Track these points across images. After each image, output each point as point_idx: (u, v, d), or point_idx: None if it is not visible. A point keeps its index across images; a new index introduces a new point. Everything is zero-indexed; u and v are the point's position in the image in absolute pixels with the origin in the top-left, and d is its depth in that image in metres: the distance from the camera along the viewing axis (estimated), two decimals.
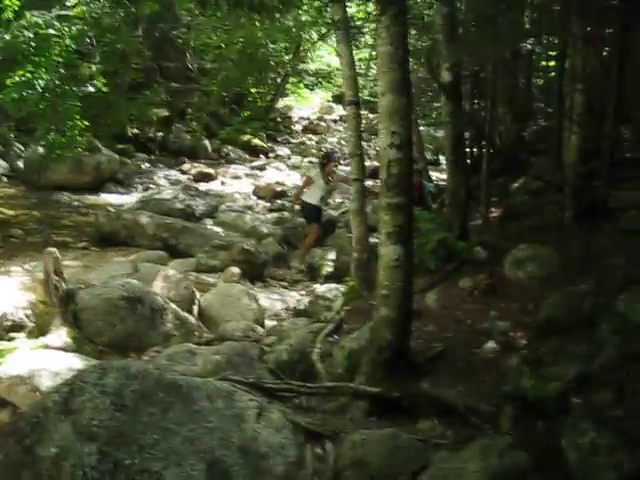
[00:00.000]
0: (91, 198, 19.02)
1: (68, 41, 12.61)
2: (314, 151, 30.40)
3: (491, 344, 6.76)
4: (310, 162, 28.38)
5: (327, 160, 12.95)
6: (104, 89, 13.65)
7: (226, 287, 9.75)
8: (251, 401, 5.56)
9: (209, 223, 15.43)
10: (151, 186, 20.78)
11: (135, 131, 26.21)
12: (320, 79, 38.28)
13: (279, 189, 20.77)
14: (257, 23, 27.82)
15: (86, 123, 14.15)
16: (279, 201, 19.62)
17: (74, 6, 12.53)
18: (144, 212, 14.16)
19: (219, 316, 9.12)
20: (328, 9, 16.26)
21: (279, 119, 36.06)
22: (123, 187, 20.75)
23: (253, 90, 25.88)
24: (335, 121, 36.25)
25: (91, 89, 13.01)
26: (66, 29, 12.46)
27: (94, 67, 12.86)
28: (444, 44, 8.91)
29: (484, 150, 11.23)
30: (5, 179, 19.64)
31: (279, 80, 34.77)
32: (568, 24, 9.88)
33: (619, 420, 4.91)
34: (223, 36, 21.50)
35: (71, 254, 12.96)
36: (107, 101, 13.98)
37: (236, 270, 11.45)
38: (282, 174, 24.16)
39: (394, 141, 5.99)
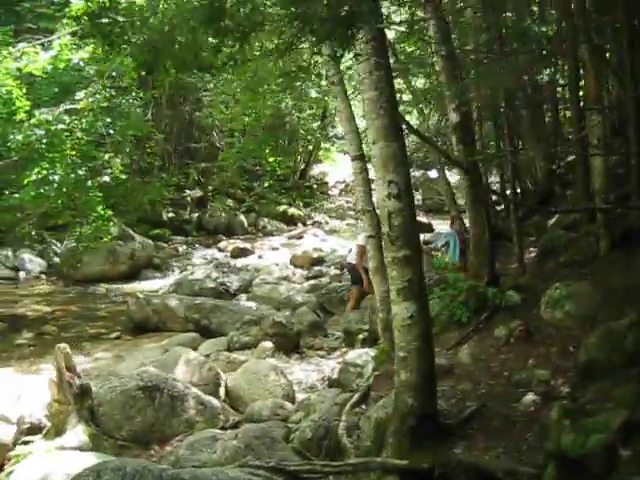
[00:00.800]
0: (127, 287, 18.97)
1: (80, 134, 12.58)
2: (351, 213, 30.18)
3: (530, 396, 6.18)
4: (348, 225, 28.23)
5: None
6: (122, 176, 13.52)
7: (253, 364, 9.31)
8: None
9: (243, 299, 15.10)
10: (188, 268, 20.69)
11: (170, 215, 26.36)
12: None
13: (316, 256, 20.45)
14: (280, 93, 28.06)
15: (110, 212, 14.04)
16: (317, 268, 19.29)
17: (82, 99, 12.50)
18: (174, 295, 13.93)
19: (247, 395, 8.69)
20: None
21: (315, 185, 36.12)
22: (160, 272, 20.72)
23: (271, 159, 25.71)
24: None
25: (107, 178, 12.89)
26: (76, 122, 12.42)
27: (107, 156, 12.76)
28: (447, 84, 8.53)
29: (512, 190, 10.81)
30: (44, 276, 19.77)
31: (310, 147, 34.97)
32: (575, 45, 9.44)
33: None
34: (234, 109, 21.43)
35: (103, 345, 12.78)
36: (125, 188, 13.83)
37: (269, 344, 11.06)
38: (319, 240, 23.90)
39: (392, 191, 5.59)
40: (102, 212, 13.71)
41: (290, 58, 11.28)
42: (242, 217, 26.58)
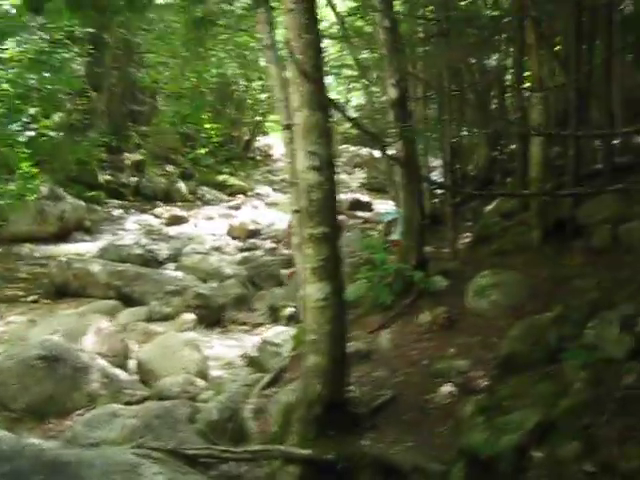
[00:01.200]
0: (54, 249, 18.25)
1: (5, 85, 11.89)
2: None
3: (447, 387, 5.91)
4: (290, 198, 27.77)
5: None
6: (50, 133, 12.87)
7: (167, 337, 8.91)
8: (160, 474, 4.71)
9: (171, 268, 14.58)
10: (119, 233, 20.06)
11: (107, 177, 25.56)
12: None
13: (253, 228, 20.01)
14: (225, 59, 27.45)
15: (35, 170, 13.39)
16: (252, 240, 18.89)
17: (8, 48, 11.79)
18: (97, 260, 13.38)
19: (159, 370, 8.27)
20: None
21: (259, 157, 35.54)
22: (90, 235, 20.01)
23: (207, 126, 25.08)
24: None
25: (32, 133, 12.22)
26: (2, 72, 11.73)
27: (33, 110, 12.06)
28: (387, 58, 8.16)
29: (448, 174, 10.55)
30: None
31: (257, 118, 34.34)
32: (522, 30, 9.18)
33: (588, 476, 4.10)
34: (174, 72, 20.61)
35: (19, 308, 12.22)
36: (52, 145, 13.16)
37: (190, 317, 10.67)
38: (259, 212, 23.44)
39: (313, 162, 5.21)
40: (27, 169, 13.00)
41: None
42: (181, 184, 25.89)
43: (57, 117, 12.56)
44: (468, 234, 11.69)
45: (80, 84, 12.97)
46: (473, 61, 13.68)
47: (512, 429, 4.56)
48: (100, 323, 8.66)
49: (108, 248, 15.17)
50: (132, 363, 8.41)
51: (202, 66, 19.19)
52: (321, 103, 5.26)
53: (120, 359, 8.22)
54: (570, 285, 7.09)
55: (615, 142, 10.59)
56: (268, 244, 18.60)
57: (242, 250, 17.23)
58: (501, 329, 6.67)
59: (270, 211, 23.80)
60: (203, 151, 26.78)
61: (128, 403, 7.25)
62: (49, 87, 12.34)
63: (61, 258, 13.50)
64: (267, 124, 36.77)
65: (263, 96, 32.19)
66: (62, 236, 19.36)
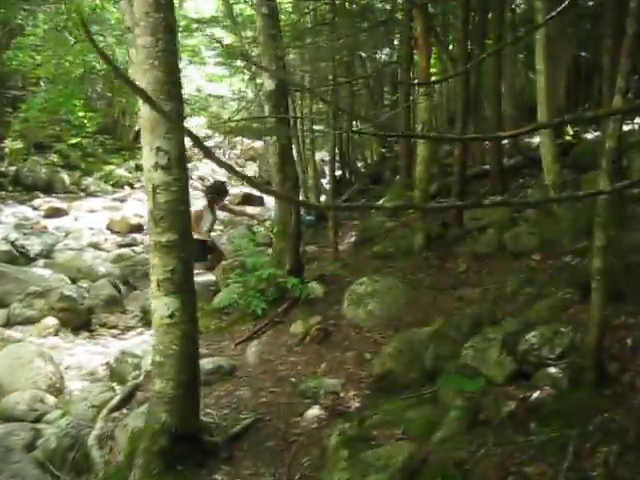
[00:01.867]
0: None
1: None
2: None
3: (315, 410, 5.35)
4: None
5: (218, 190, 11.12)
6: None
7: (16, 347, 8.01)
8: None
9: (40, 265, 13.53)
10: None
11: None
12: (192, 106, 36.69)
13: (135, 222, 19.03)
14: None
15: None
16: (134, 235, 17.95)
17: None
18: None
19: (7, 384, 7.39)
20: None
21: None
22: None
23: (81, 114, 23.85)
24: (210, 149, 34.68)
25: None
26: None
27: None
28: (263, 47, 7.54)
29: (330, 171, 10.04)
30: None
31: None
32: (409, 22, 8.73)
33: None
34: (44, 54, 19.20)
35: None
36: None
37: (52, 321, 9.77)
38: (144, 206, 22.43)
39: (159, 160, 4.55)
40: None
41: None
42: (64, 174, 24.57)
43: None
44: (354, 233, 11.25)
45: None
46: (363, 54, 13.23)
47: (379, 467, 4.04)
48: None
49: None
50: None
51: (76, 50, 18.00)
52: (173, 91, 4.60)
53: None
54: (452, 294, 6.69)
55: (504, 142, 10.35)
56: (149, 240, 17.72)
57: (120, 246, 16.27)
58: (377, 343, 6.22)
59: None
60: (75, 140, 25.39)
61: None
62: None
63: None
64: None
65: None
66: None
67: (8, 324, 10.20)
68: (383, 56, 12.84)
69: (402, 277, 7.37)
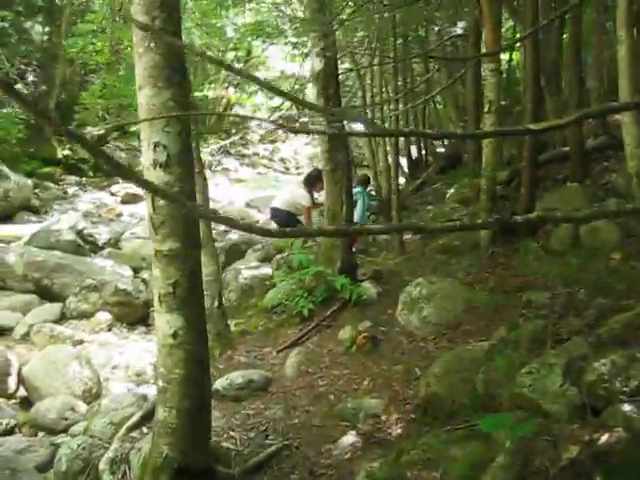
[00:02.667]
0: None
1: None
2: (265, 162, 28.57)
3: (350, 437, 4.70)
4: (259, 174, 26.46)
5: (313, 179, 10.19)
6: None
7: (53, 349, 7.63)
8: None
9: (104, 255, 13.26)
10: (70, 212, 18.78)
11: (66, 152, 24.22)
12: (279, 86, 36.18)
13: (210, 207, 18.69)
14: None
15: None
16: None
17: None
18: (16, 248, 12.03)
19: (44, 388, 7.05)
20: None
21: (234, 130, 34.12)
22: (38, 215, 18.73)
23: None
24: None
25: None
26: None
27: None
28: (308, 22, 6.84)
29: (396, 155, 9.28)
30: None
31: (230, 89, 32.98)
32: None
33: None
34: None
35: None
36: None
37: (105, 316, 9.43)
38: (221, 190, 22.10)
39: (157, 157, 3.95)
40: None
41: None
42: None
43: None
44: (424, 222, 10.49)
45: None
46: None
47: None
48: None
49: (38, 233, 13.80)
50: (11, 381, 7.12)
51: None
52: (171, 77, 3.98)
53: None
54: (518, 299, 5.87)
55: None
56: (221, 225, 17.36)
57: None
58: (429, 356, 5.49)
59: (234, 188, 22.50)
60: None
61: None
62: None
63: None
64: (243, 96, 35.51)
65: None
66: (7, 217, 18.16)
67: (63, 318, 9.93)
68: (458, 30, 11.88)
69: (464, 276, 6.60)
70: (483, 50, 9.13)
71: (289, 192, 10.80)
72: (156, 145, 3.94)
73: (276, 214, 10.68)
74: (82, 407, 6.64)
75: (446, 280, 6.39)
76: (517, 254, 6.77)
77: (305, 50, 11.82)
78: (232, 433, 4.86)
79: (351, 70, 10.40)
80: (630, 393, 3.69)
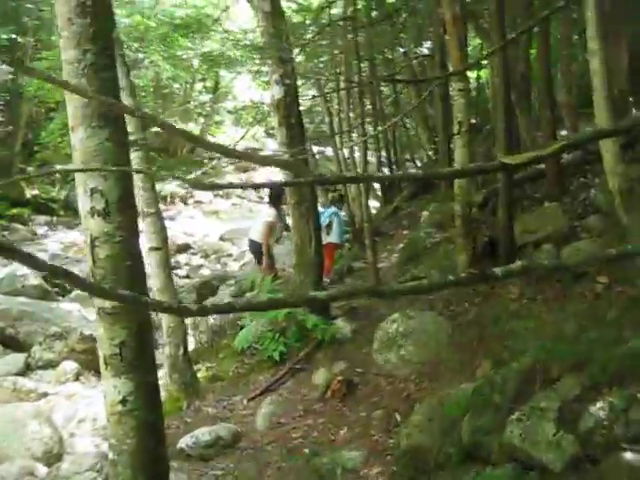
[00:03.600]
0: None
1: None
2: (239, 192, 28.23)
3: None
4: (233, 204, 26.06)
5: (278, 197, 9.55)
6: None
7: (11, 408, 7.16)
8: None
9: (72, 297, 12.77)
10: (38, 254, 18.29)
11: (35, 192, 23.78)
12: (246, 115, 35.95)
13: (181, 242, 18.30)
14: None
15: None
16: (180, 256, 17.21)
17: None
18: None
19: (2, 449, 6.56)
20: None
21: (205, 161, 33.77)
22: (4, 260, 18.23)
23: None
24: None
25: None
26: None
27: None
28: (267, 47, 6.49)
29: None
30: None
31: (202, 121, 32.78)
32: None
33: None
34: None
35: None
36: None
37: (71, 365, 8.97)
38: (195, 223, 21.70)
39: (95, 204, 3.54)
40: None
41: None
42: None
43: None
44: (401, 246, 10.16)
45: None
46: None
47: None
48: None
49: (2, 279, 13.31)
50: None
51: None
52: (108, 116, 3.59)
53: None
54: (502, 330, 5.50)
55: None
56: (195, 260, 16.96)
57: None
58: (410, 398, 5.10)
59: (208, 221, 22.10)
60: None
61: None
62: None
63: None
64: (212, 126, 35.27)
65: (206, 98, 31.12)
66: None
67: (28, 369, 9.46)
68: (425, 50, 11.62)
69: (443, 309, 6.22)
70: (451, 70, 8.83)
71: (261, 222, 10.38)
72: (93, 191, 3.55)
73: (252, 246, 10.20)
74: (42, 470, 6.17)
75: (424, 314, 6.02)
76: (496, 282, 6.41)
77: (265, 78, 11.52)
78: None
79: (316, 96, 10.06)
80: (632, 439, 3.32)
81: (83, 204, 3.62)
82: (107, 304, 3.55)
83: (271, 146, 32.35)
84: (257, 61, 8.80)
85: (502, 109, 6.46)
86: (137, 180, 6.30)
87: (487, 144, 11.49)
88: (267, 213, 9.36)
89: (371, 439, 4.76)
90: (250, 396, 5.94)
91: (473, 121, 13.50)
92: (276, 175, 30.28)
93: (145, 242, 6.41)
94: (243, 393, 6.13)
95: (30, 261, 1.44)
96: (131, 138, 6.14)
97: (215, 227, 21.04)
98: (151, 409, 3.65)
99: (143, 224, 6.51)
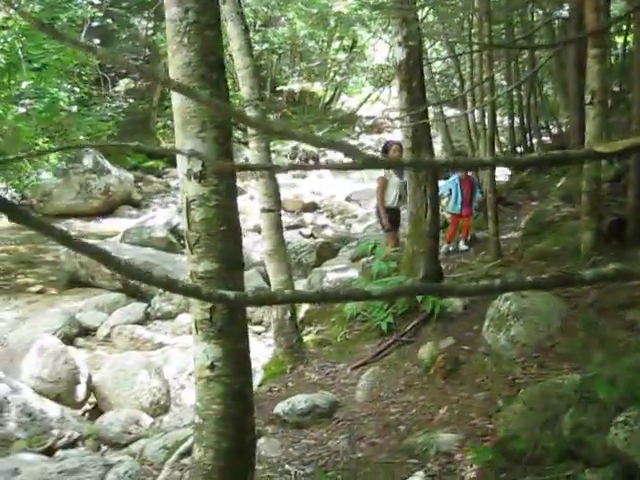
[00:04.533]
0: (95, 226, 17.29)
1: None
2: (371, 152, 28.03)
3: (417, 479, 4.13)
4: None
5: (386, 149, 9.33)
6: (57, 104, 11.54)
7: (122, 358, 7.38)
8: None
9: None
10: (170, 206, 18.89)
11: (170, 144, 24.47)
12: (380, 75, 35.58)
13: (308, 201, 18.40)
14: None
15: (45, 144, 12.05)
16: (306, 214, 17.32)
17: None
18: (107, 245, 11.99)
19: (113, 397, 6.82)
20: None
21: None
22: (139, 209, 18.92)
23: None
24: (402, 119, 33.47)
25: (22, 109, 10.84)
26: None
27: (24, 84, 10.58)
28: (389, 8, 6.25)
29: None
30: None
31: (338, 78, 32.75)
32: None
33: None
34: None
35: (19, 300, 11.00)
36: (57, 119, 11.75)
37: (187, 318, 9.13)
38: (324, 182, 21.73)
39: (192, 167, 3.49)
40: (38, 143, 11.76)
41: None
42: (246, 150, 24.45)
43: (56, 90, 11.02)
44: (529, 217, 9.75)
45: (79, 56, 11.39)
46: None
47: None
48: (43, 339, 7.16)
49: (131, 229, 13.79)
50: (80, 391, 6.90)
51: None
52: (208, 75, 3.51)
53: (65, 385, 6.75)
54: (621, 318, 5.15)
55: None
56: (321, 219, 16.97)
57: (288, 228, 15.57)
58: (515, 384, 4.84)
59: (337, 180, 22.06)
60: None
61: (49, 449, 5.80)
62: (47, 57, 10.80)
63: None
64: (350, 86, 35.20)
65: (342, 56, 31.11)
66: (108, 211, 18.43)
67: (147, 319, 9.80)
68: (564, 12, 10.97)
69: (559, 290, 5.88)
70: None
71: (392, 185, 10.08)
72: (190, 153, 3.50)
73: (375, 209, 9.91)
74: (147, 420, 6.35)
75: (539, 293, 5.70)
76: (624, 264, 6.00)
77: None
78: (288, 467, 4.39)
79: (440, 59, 9.71)
80: None
81: (180, 166, 3.58)
82: (200, 268, 3.51)
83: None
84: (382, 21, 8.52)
85: (638, 77, 5.98)
86: (252, 141, 6.26)
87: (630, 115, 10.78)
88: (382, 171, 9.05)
89: (470, 422, 4.56)
90: (354, 365, 5.85)
91: (616, 89, 12.79)
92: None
93: (258, 203, 6.40)
94: (348, 361, 6.04)
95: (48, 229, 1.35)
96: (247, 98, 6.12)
97: (343, 187, 20.99)
98: (240, 376, 3.61)
99: (257, 185, 6.50)
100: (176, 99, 3.56)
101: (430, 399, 5.01)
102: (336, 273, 9.34)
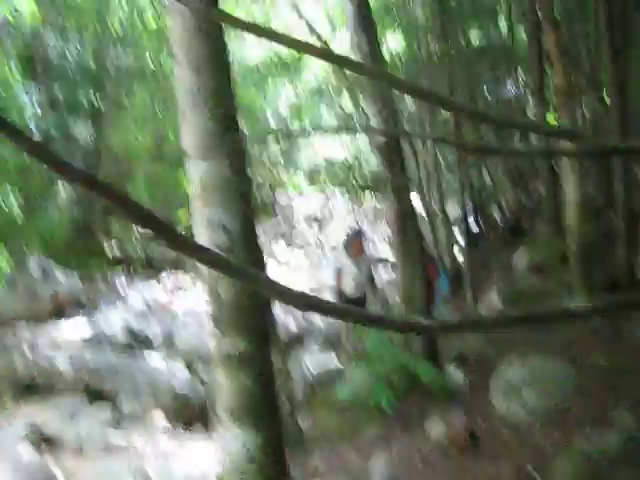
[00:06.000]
0: (43, 330, 16.63)
1: None
2: (311, 241, 28.06)
3: None
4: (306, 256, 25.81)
5: (349, 242, 9.18)
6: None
7: (107, 462, 6.93)
8: None
9: (158, 351, 12.60)
10: (117, 307, 18.37)
11: (113, 246, 24.10)
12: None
13: None
14: None
15: None
16: None
17: None
18: (64, 350, 11.45)
19: None
20: None
21: (277, 213, 33.78)
22: (86, 313, 18.33)
23: None
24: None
25: None
26: None
27: None
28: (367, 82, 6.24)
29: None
30: None
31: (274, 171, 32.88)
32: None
33: None
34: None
35: None
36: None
37: (159, 419, 8.75)
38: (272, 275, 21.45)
39: (218, 240, 3.28)
40: None
41: None
42: None
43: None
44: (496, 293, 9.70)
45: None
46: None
47: None
48: (20, 451, 6.64)
49: (90, 337, 13.28)
50: None
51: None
52: (233, 143, 3.35)
53: None
54: (636, 379, 5.03)
55: None
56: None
57: None
58: (541, 452, 4.63)
59: (280, 270, 21.85)
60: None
61: None
62: None
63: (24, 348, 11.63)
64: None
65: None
66: (54, 315, 17.81)
67: (115, 423, 9.28)
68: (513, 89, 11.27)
69: (563, 354, 5.76)
70: None
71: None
72: (214, 225, 3.29)
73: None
74: None
75: (544, 357, 5.57)
76: (626, 321, 5.94)
77: None
78: None
79: None
80: None
81: (202, 240, 3.36)
82: (233, 348, 3.26)
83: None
84: None
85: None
86: None
87: None
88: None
89: None
90: (361, 451, 5.54)
91: None
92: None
93: None
94: (353, 450, 5.72)
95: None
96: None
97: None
98: (279, 465, 3.32)
99: None
100: (193, 169, 3.37)
101: (456, 478, 4.74)
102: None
